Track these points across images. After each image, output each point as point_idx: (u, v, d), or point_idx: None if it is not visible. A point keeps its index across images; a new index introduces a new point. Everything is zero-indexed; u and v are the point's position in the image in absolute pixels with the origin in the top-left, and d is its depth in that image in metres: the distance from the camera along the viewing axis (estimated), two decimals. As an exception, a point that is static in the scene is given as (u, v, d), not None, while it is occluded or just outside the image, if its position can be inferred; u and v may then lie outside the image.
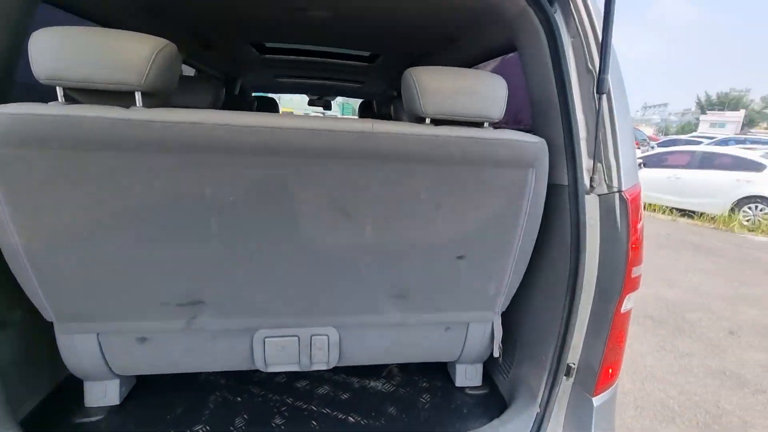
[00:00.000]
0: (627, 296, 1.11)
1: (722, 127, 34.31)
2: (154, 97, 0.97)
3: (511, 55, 1.81)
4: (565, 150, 1.13)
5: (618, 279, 1.09)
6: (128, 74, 0.88)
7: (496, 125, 1.13)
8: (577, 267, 1.14)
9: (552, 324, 1.23)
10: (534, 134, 1.11)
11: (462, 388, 1.49)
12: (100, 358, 1.20)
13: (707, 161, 7.80)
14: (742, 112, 40.60)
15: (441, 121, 1.05)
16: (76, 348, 1.17)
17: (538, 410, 1.25)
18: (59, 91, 0.90)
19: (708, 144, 12.01)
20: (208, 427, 1.23)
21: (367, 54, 2.80)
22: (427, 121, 1.05)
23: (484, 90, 1.05)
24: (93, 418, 1.24)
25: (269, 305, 1.20)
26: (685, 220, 7.78)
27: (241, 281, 1.14)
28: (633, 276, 1.10)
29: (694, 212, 7.90)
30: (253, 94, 4.14)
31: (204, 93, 1.66)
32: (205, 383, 1.45)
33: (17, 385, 1.18)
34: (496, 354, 1.40)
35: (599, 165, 1.10)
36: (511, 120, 1.97)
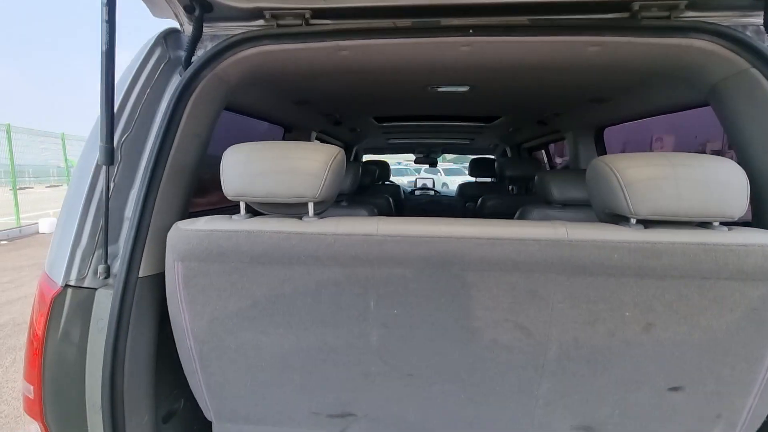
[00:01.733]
0: None
1: None
2: (324, 204, 0.95)
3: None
4: None
5: None
6: (306, 188, 0.87)
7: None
8: None
9: None
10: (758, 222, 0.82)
11: None
12: None
13: None
14: None
15: (652, 221, 0.84)
16: None
17: None
18: (242, 206, 0.93)
19: None
20: None
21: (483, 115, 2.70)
22: (633, 221, 0.84)
23: (717, 179, 0.81)
24: None
25: (424, 425, 1.05)
26: None
27: (396, 397, 1.01)
28: None
29: None
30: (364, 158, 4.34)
31: (347, 175, 1.69)
32: None
33: None
34: None
35: None
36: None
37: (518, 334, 0.89)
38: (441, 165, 16.39)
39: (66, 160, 10.16)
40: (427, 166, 4.84)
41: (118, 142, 0.94)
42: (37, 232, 8.61)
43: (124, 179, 0.95)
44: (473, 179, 3.99)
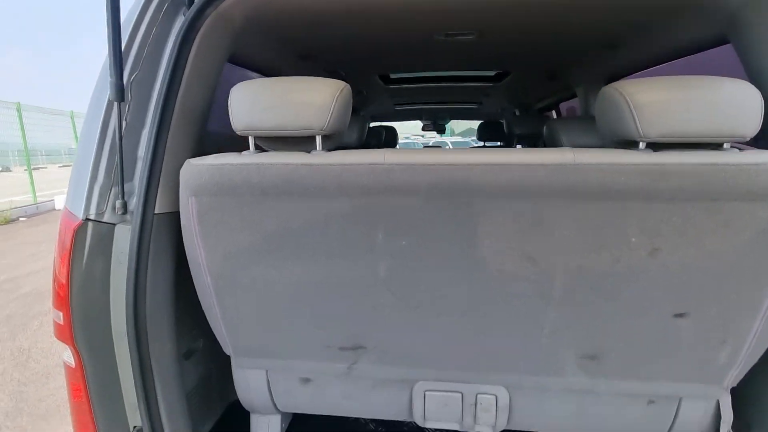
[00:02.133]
0: None
1: None
2: (331, 140, 0.96)
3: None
4: None
5: None
6: (313, 119, 0.88)
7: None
8: None
9: None
10: None
11: None
12: (267, 394, 1.22)
13: None
14: None
15: (661, 145, 0.83)
16: (248, 382, 1.21)
17: None
18: (251, 141, 0.94)
19: None
20: None
21: (493, 73, 2.63)
22: (642, 145, 0.84)
23: (729, 100, 0.79)
24: None
25: (432, 356, 1.09)
26: None
27: (405, 329, 1.05)
28: None
29: None
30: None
31: (352, 129, 1.69)
32: (354, 426, 1.39)
33: (198, 408, 1.27)
34: None
35: None
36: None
37: (524, 264, 0.91)
38: (449, 139, 16.18)
39: (76, 138, 10.26)
40: (435, 137, 4.78)
41: (128, 80, 0.95)
42: (54, 209, 8.82)
43: (135, 119, 0.97)
44: (482, 144, 3.96)
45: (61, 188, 10.02)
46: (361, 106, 3.47)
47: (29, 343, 3.21)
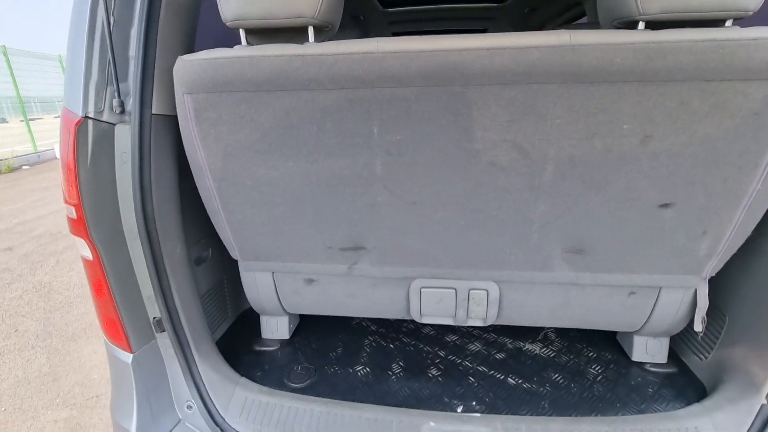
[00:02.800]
0: None
1: None
2: (324, 33, 0.94)
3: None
4: None
5: None
6: (303, 7, 0.85)
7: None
8: None
9: None
10: None
11: (641, 364, 1.27)
12: (274, 295, 1.31)
13: None
14: None
15: (661, 24, 0.81)
16: (256, 284, 1.29)
17: (764, 402, 0.98)
18: (242, 34, 0.92)
19: None
20: (368, 369, 1.27)
21: None
22: (641, 26, 0.82)
23: None
24: (269, 348, 1.38)
25: (427, 254, 1.15)
26: None
27: (402, 227, 1.09)
28: None
29: None
30: None
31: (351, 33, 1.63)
32: (357, 328, 1.50)
33: (213, 312, 1.37)
34: (698, 328, 1.14)
35: None
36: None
37: (515, 155, 0.93)
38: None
39: (68, 84, 9.96)
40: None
41: None
42: (55, 158, 8.81)
43: (121, 16, 0.95)
44: None
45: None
46: (358, 36, 3.32)
47: (49, 278, 3.38)
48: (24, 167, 7.96)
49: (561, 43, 0.80)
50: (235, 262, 1.27)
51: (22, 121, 8.73)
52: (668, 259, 1.06)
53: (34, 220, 4.91)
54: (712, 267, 1.06)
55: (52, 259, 3.76)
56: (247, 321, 1.51)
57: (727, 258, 1.04)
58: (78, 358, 2.38)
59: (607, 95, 0.83)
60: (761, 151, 0.86)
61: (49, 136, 9.73)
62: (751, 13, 0.78)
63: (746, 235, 1.00)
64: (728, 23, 0.80)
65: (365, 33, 3.38)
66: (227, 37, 1.00)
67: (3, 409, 2.02)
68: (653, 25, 0.81)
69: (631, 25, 0.83)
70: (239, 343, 1.41)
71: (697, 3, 0.77)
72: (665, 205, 0.96)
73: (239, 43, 0.94)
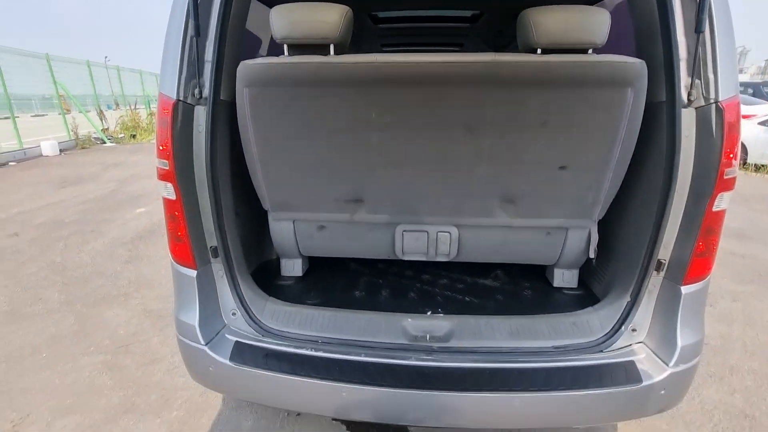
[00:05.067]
0: (719, 195, 1.27)
1: None
2: (339, 48, 1.41)
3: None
4: (664, 68, 1.30)
5: (710, 179, 1.25)
6: (327, 32, 1.32)
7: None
8: (671, 173, 1.32)
9: (645, 227, 1.43)
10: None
11: (559, 288, 1.78)
12: (293, 240, 1.75)
13: None
14: None
15: (550, 50, 1.32)
16: (281, 230, 1.73)
17: (629, 299, 1.49)
18: (285, 48, 1.38)
19: None
20: (363, 293, 1.73)
21: (469, 14, 3.02)
22: (539, 51, 1.33)
23: (589, 19, 1.28)
24: (288, 282, 1.82)
25: (408, 204, 1.62)
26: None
27: (392, 183, 1.56)
28: (726, 177, 1.25)
29: None
30: None
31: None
32: (353, 270, 1.95)
33: (248, 252, 1.80)
34: (591, 255, 1.65)
35: (697, 81, 1.26)
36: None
37: (465, 132, 1.42)
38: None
39: (54, 82, 10.05)
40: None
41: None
42: (41, 155, 8.88)
43: (202, 34, 1.39)
44: None
45: (44, 135, 9.97)
46: (352, 46, 3.80)
47: (61, 258, 3.66)
48: (11, 163, 8.03)
49: (489, 60, 1.29)
50: (259, 221, 1.71)
51: (6, 118, 8.79)
52: (569, 206, 1.57)
53: (34, 210, 5.12)
54: (598, 212, 1.57)
55: (59, 243, 4.03)
56: (266, 270, 1.94)
57: (608, 205, 1.56)
58: (102, 320, 2.71)
59: (518, 94, 1.34)
60: (615, 130, 1.37)
61: (33, 134, 9.76)
62: (601, 45, 1.30)
63: (617, 188, 1.51)
64: (590, 51, 1.32)
65: (358, 44, 3.89)
66: (253, 49, 1.44)
67: (44, 355, 2.35)
68: (545, 50, 1.32)
69: (533, 50, 1.34)
70: (263, 280, 1.83)
71: (571, 38, 1.28)
72: (562, 167, 1.47)
73: (272, 53, 1.40)
